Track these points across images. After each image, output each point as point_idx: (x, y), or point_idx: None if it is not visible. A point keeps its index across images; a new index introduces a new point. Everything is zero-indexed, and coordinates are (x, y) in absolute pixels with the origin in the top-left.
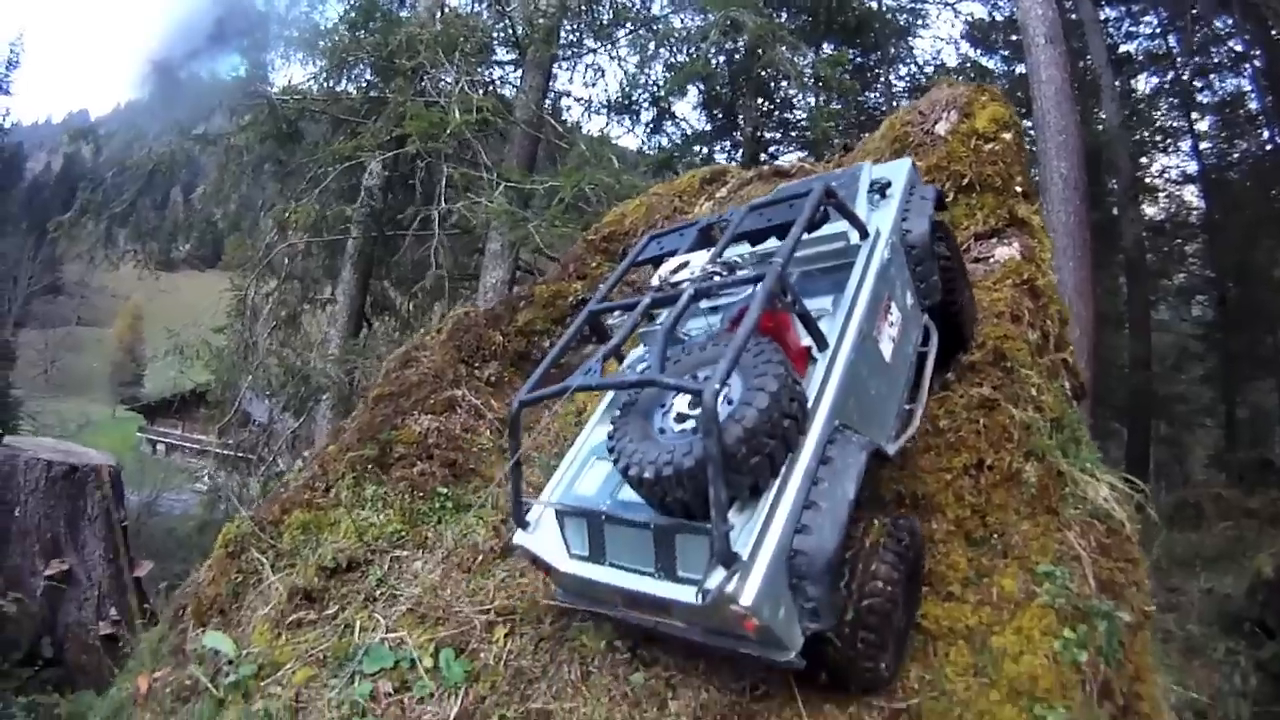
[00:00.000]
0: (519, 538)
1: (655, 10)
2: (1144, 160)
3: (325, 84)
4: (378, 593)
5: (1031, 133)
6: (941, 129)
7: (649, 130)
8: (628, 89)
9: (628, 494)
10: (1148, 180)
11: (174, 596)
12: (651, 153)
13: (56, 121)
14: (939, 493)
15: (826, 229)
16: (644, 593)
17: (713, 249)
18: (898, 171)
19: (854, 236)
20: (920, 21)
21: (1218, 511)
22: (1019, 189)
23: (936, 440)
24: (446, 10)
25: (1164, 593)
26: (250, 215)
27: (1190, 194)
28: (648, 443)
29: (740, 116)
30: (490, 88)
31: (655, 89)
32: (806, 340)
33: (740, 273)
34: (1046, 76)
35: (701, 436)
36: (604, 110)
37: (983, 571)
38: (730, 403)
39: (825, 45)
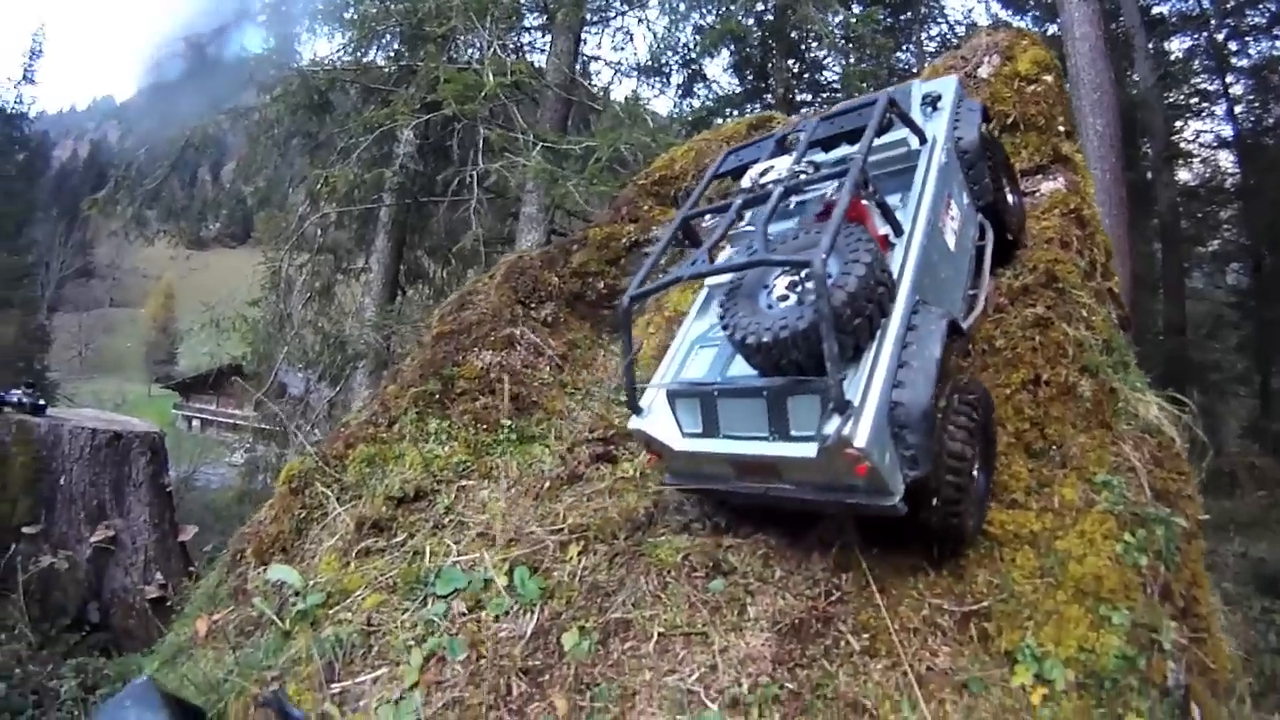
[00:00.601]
0: (633, 423)
1: None
2: (1178, 124)
3: (354, 55)
4: (446, 520)
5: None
6: (984, 72)
7: (680, 93)
8: (658, 51)
9: (736, 370)
10: (1182, 145)
11: (230, 542)
12: (685, 114)
13: (81, 109)
14: (999, 407)
15: (889, 137)
16: (758, 456)
17: (791, 155)
18: (946, 87)
19: (914, 142)
20: None
21: (1252, 480)
22: (1061, 128)
23: (994, 358)
24: None
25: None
26: (280, 190)
27: (1225, 159)
28: (759, 315)
29: (771, 78)
30: (520, 52)
31: (686, 51)
32: (884, 229)
33: (824, 170)
34: (1080, 34)
35: (814, 300)
36: (634, 73)
37: (1043, 481)
38: (831, 276)
39: (855, 5)
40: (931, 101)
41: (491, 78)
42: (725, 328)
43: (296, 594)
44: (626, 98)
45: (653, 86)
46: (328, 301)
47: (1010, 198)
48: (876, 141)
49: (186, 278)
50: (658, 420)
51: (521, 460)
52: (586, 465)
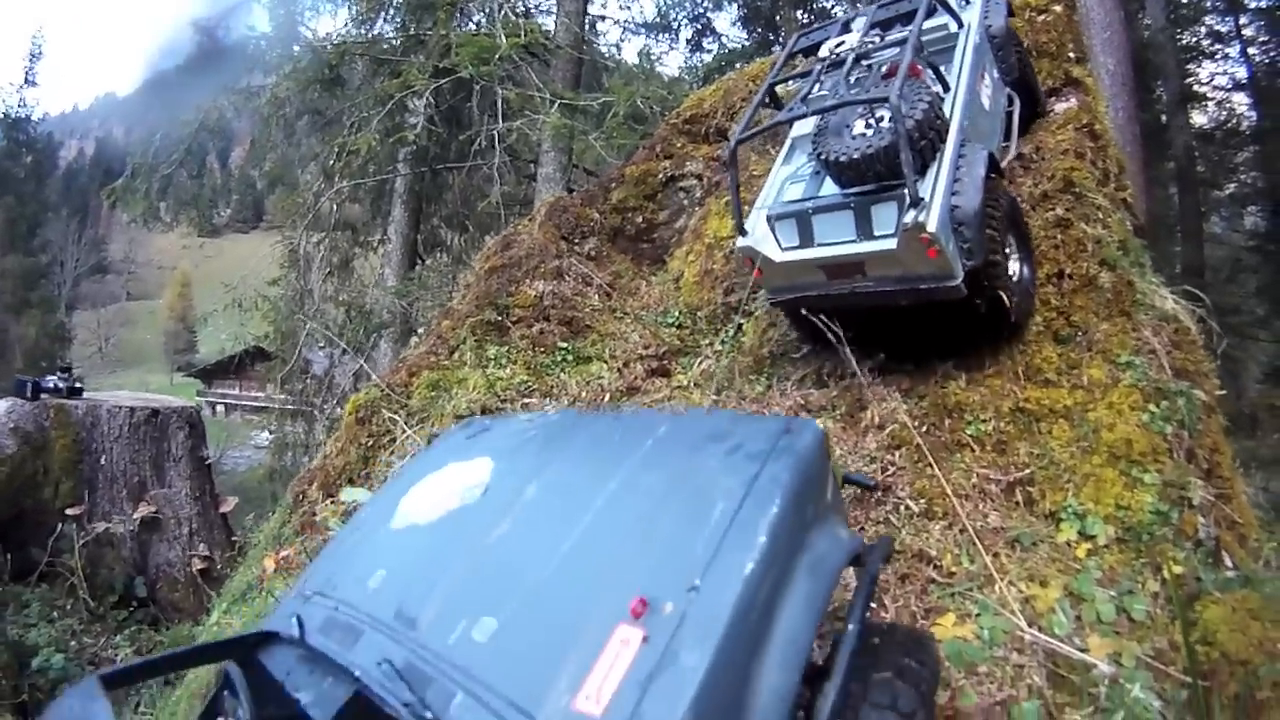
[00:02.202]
0: (740, 242)
1: None
2: (1191, 67)
3: (361, 28)
4: None
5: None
6: None
7: (690, 48)
8: (665, 8)
9: (826, 194)
10: (1196, 88)
11: (290, 485)
12: (696, 68)
13: (84, 108)
14: None
15: (933, 21)
16: (847, 255)
17: (858, 32)
18: None
19: (953, 26)
20: None
21: (1274, 420)
22: (1072, 54)
23: None
24: None
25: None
26: (290, 172)
27: (1240, 101)
28: (846, 142)
29: (781, 29)
30: (529, 14)
31: (694, 5)
32: (936, 86)
33: (888, 39)
34: None
35: (890, 127)
36: (642, 31)
37: (1072, 363)
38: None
39: None
40: None
41: (505, 39)
42: (818, 156)
43: None
44: (639, 54)
45: (661, 42)
46: (347, 275)
47: (1031, 76)
48: (924, 26)
49: (201, 266)
50: (761, 240)
51: (580, 378)
52: (643, 379)
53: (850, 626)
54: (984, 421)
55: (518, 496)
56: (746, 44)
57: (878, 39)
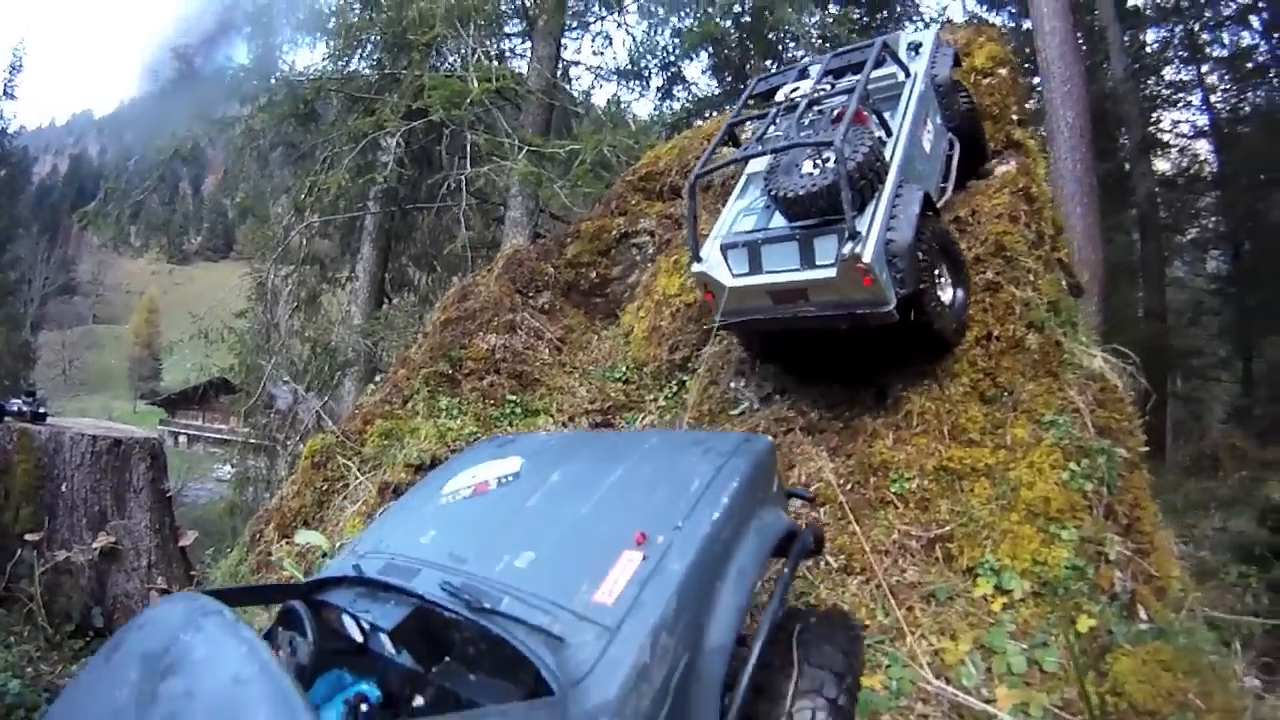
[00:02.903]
0: (695, 268)
1: None
2: (1155, 115)
3: (337, 64)
4: None
5: (1039, 84)
6: None
7: (660, 95)
8: (637, 55)
9: (774, 226)
10: (1159, 135)
11: (249, 523)
12: (665, 116)
13: (61, 124)
14: (956, 362)
15: (882, 71)
16: (791, 281)
17: (811, 78)
18: (927, 36)
19: (900, 76)
20: None
21: (1234, 461)
22: (1015, 116)
23: None
24: None
25: (1177, 529)
26: (262, 203)
27: (1202, 147)
28: (794, 179)
29: (750, 79)
30: (502, 59)
31: (665, 54)
32: (879, 132)
33: (839, 87)
34: (1050, 28)
35: (834, 167)
36: (614, 77)
37: (997, 423)
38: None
39: (832, 6)
40: (914, 47)
41: (477, 83)
42: (769, 191)
43: (324, 555)
44: (608, 100)
45: (632, 90)
46: (314, 311)
47: (976, 125)
48: (873, 74)
49: (169, 293)
50: (714, 266)
51: (527, 430)
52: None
53: (775, 598)
54: (908, 479)
55: (544, 480)
56: (716, 93)
57: (829, 86)
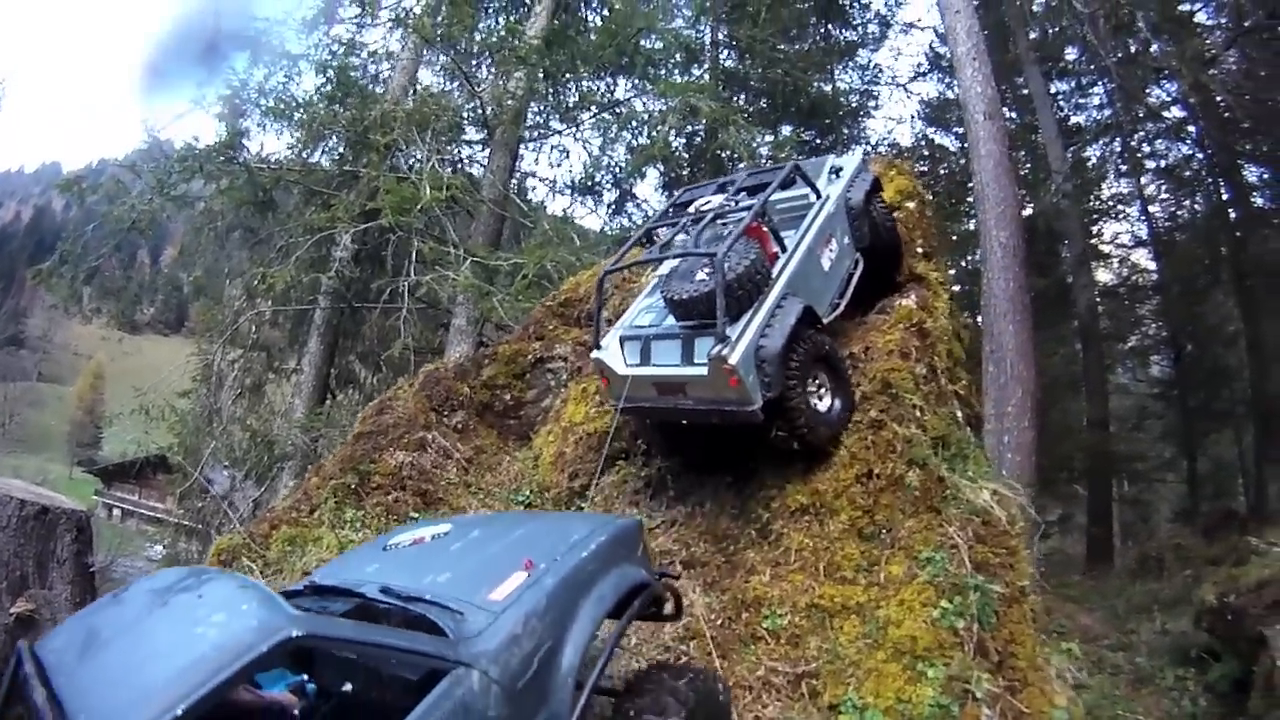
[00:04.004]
0: (594, 354)
1: (620, 94)
2: (1096, 227)
3: (300, 154)
4: None
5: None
6: None
7: (611, 211)
8: (591, 171)
9: (665, 324)
10: (1100, 246)
11: None
12: (613, 233)
13: (29, 171)
14: (835, 499)
15: (796, 190)
16: (672, 376)
17: (725, 194)
18: (851, 161)
19: (812, 197)
20: (873, 103)
21: (1178, 561)
22: (920, 249)
23: (834, 458)
24: (419, 89)
25: (1118, 634)
26: (217, 281)
27: (1141, 256)
28: (685, 285)
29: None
30: (459, 166)
31: (618, 171)
32: (774, 248)
33: (743, 203)
34: (986, 151)
35: (713, 276)
36: (568, 191)
37: (873, 560)
38: (726, 264)
39: (783, 128)
40: (836, 171)
41: (428, 191)
42: (664, 293)
43: None
44: (556, 216)
45: (585, 204)
46: (258, 399)
47: (893, 247)
48: (793, 192)
49: (117, 360)
50: (611, 356)
51: None
52: None
53: (621, 624)
54: (781, 616)
55: (467, 535)
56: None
57: (735, 202)
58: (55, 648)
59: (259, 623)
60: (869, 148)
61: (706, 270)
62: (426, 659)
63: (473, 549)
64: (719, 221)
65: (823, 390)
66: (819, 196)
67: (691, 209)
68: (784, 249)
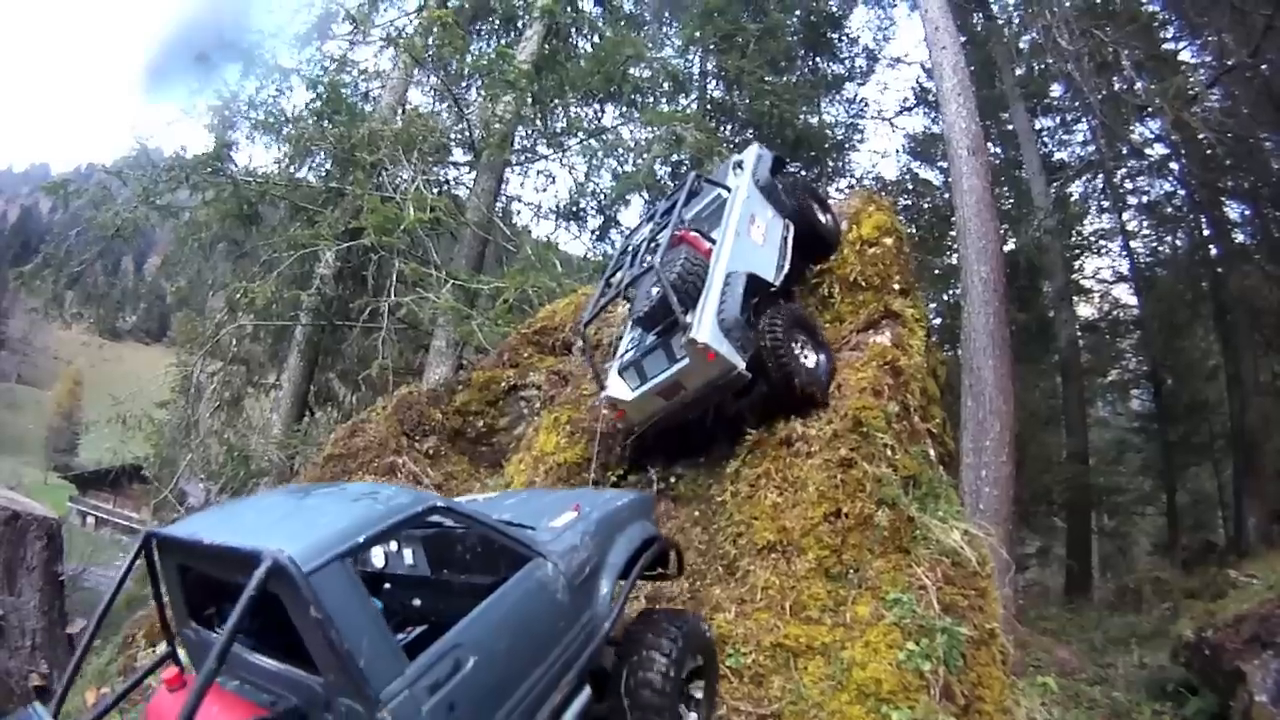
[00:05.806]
0: (603, 394)
1: (607, 121)
2: (1078, 263)
3: (287, 169)
4: None
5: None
6: None
7: (595, 237)
8: (576, 196)
9: (645, 343)
10: (1082, 281)
11: (123, 626)
12: (596, 259)
13: (18, 171)
14: (803, 537)
15: (714, 193)
16: (668, 378)
17: (651, 222)
18: (749, 154)
19: (724, 193)
20: (858, 137)
21: (1157, 593)
22: (896, 286)
23: (802, 496)
24: (408, 109)
25: (1095, 668)
26: (200, 292)
27: (1123, 291)
28: (643, 303)
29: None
30: (445, 187)
31: (602, 197)
32: (706, 244)
33: (664, 223)
34: (968, 186)
35: (659, 285)
36: (552, 215)
37: (839, 601)
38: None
39: None
40: (739, 165)
41: (413, 212)
42: (632, 319)
43: None
44: (538, 242)
45: (569, 230)
46: (236, 413)
47: (823, 217)
48: (709, 199)
49: (97, 367)
50: (616, 389)
51: None
52: None
53: (637, 567)
54: (745, 654)
55: (516, 495)
56: None
57: (660, 225)
58: (192, 528)
59: (411, 498)
60: (854, 180)
61: (653, 283)
62: (519, 546)
63: (527, 500)
64: (653, 245)
65: (806, 350)
66: (729, 190)
67: (629, 247)
68: (710, 241)
